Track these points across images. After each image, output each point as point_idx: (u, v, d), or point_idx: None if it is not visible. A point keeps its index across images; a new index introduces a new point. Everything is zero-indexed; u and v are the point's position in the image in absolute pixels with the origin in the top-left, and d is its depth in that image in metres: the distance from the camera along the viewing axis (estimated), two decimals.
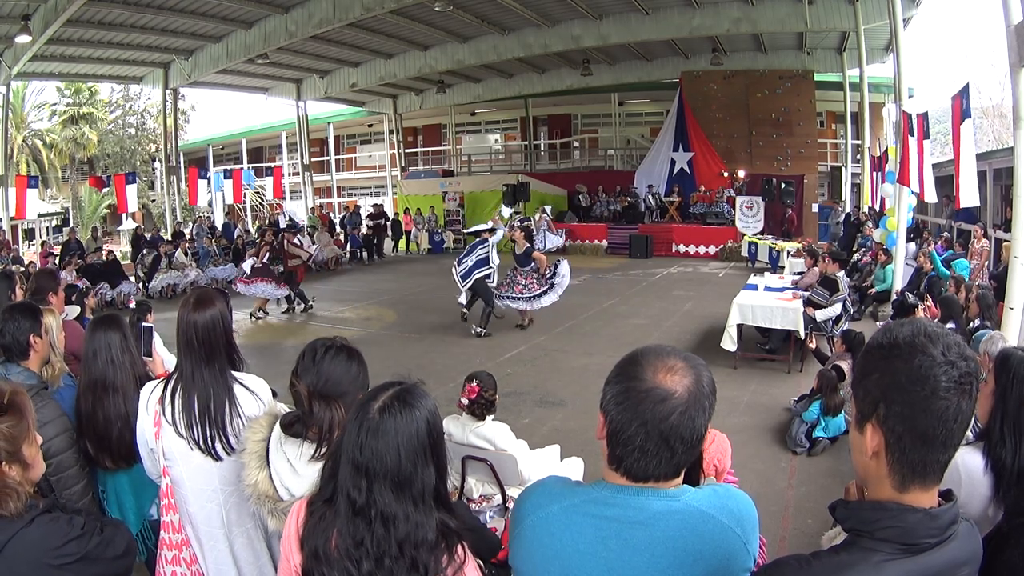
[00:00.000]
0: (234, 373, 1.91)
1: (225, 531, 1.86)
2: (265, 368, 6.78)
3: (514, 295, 8.30)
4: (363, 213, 18.97)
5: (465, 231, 9.22)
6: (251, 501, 1.67)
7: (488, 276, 8.14)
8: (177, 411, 1.82)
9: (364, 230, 18.00)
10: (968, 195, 5.52)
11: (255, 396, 1.89)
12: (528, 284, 8.36)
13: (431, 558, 1.18)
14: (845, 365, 4.83)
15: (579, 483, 1.17)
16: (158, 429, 1.86)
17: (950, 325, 5.08)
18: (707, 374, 1.06)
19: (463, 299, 8.29)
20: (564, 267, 8.43)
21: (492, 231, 8.49)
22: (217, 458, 1.83)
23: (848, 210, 15.48)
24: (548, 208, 17.37)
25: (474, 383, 2.84)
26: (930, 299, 6.59)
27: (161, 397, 1.86)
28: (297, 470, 1.63)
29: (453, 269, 8.24)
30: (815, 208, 17.19)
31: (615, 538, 1.03)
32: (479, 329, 8.04)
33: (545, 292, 8.31)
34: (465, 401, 2.84)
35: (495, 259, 8.21)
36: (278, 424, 1.70)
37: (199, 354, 1.84)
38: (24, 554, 1.30)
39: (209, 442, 1.81)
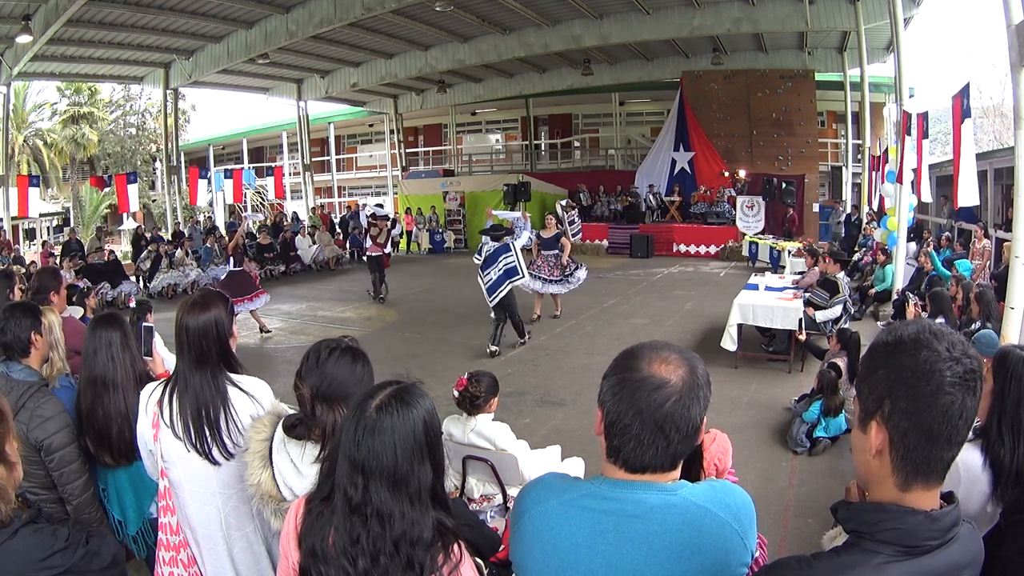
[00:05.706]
0: (232, 376, 1.87)
1: (224, 534, 1.85)
2: (269, 369, 6.80)
3: (531, 272, 8.51)
4: (364, 215, 18.90)
5: (482, 231, 7.90)
6: (255, 501, 1.66)
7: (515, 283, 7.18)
8: (175, 413, 1.81)
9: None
10: (967, 194, 5.59)
11: (252, 399, 1.86)
12: (542, 266, 8.57)
13: (427, 556, 1.18)
14: (841, 363, 4.82)
15: (577, 479, 1.17)
16: (156, 431, 1.85)
17: (939, 320, 5.08)
18: (701, 366, 1.07)
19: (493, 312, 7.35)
20: (583, 272, 8.71)
21: (511, 232, 7.49)
22: (214, 462, 1.80)
23: (848, 210, 15.48)
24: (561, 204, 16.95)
25: (465, 376, 2.85)
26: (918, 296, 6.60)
27: (160, 399, 1.85)
28: (300, 470, 1.62)
29: (479, 280, 7.27)
30: (816, 208, 17.17)
31: (613, 532, 1.04)
32: (521, 340, 7.39)
33: (556, 282, 8.53)
34: (456, 394, 2.85)
35: (524, 267, 7.23)
36: (280, 425, 1.69)
37: (190, 357, 1.81)
38: (7, 568, 1.26)
39: (206, 446, 1.79)
